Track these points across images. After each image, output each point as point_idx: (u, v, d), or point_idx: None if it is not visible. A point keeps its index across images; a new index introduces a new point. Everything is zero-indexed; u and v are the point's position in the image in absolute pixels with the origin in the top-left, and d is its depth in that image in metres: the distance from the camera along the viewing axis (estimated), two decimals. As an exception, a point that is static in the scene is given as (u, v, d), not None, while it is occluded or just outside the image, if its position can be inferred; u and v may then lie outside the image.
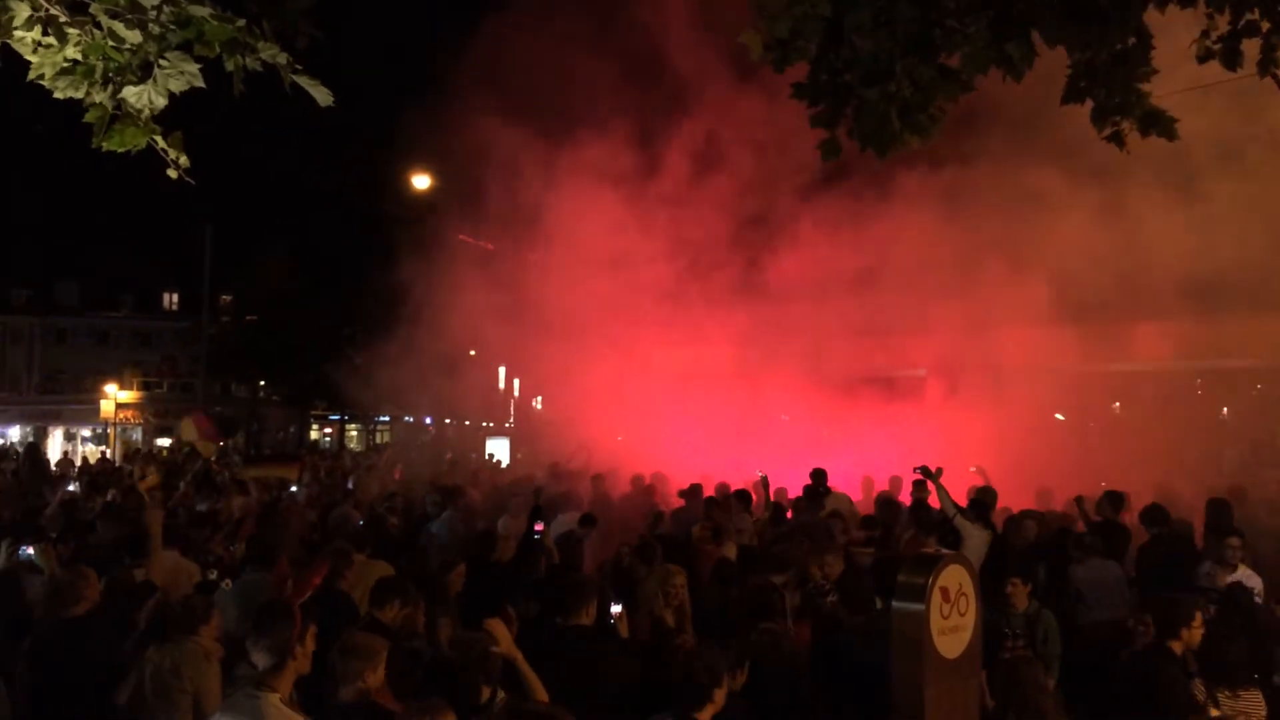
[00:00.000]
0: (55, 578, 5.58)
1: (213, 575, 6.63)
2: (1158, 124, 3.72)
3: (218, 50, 3.01)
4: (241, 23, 2.96)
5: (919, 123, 3.66)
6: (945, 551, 5.59)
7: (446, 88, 14.46)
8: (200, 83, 3.04)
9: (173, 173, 3.24)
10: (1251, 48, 3.61)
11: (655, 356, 14.09)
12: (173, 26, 2.92)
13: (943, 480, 7.89)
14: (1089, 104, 3.71)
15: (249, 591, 6.00)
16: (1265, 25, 3.50)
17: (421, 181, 18.22)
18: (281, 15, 3.14)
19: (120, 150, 3.10)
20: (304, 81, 3.13)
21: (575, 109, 14.44)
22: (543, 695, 4.51)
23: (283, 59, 3.05)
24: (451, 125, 14.64)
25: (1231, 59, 3.61)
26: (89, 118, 3.04)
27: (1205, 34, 3.63)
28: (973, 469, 9.97)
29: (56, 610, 5.23)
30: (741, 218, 14.48)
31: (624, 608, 5.76)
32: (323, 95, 3.20)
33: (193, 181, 3.26)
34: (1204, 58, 3.69)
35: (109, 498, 12.82)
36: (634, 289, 14.11)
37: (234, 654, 5.12)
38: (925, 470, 8.35)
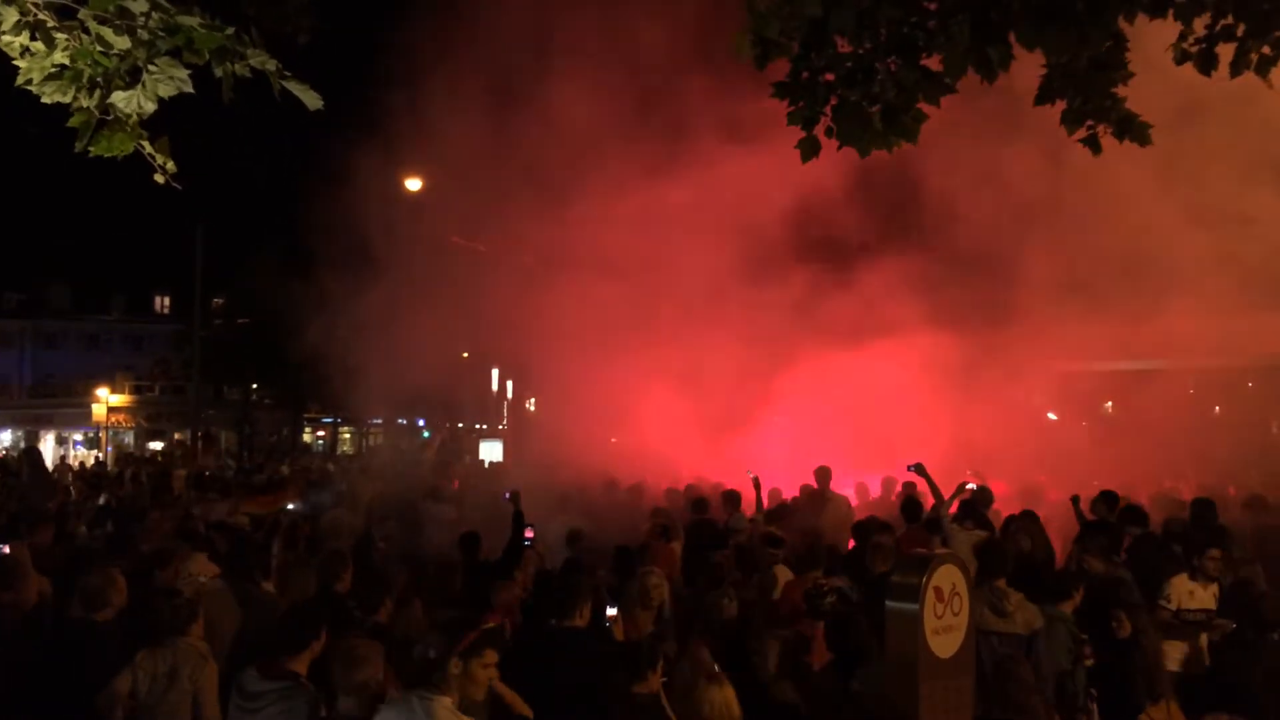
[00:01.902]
0: (83, 580, 5.57)
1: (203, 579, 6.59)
2: (1132, 129, 3.75)
3: (206, 57, 2.99)
4: (230, 30, 2.95)
5: (903, 124, 3.67)
6: (940, 551, 5.59)
7: (438, 86, 14.34)
8: (190, 88, 3.02)
9: (159, 178, 3.22)
10: (1226, 52, 3.62)
11: (650, 355, 14.00)
12: (161, 33, 2.90)
13: (940, 481, 7.92)
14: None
15: (242, 598, 5.98)
16: (1241, 29, 3.51)
17: (413, 184, 18.19)
18: (279, 13, 3.13)
19: (107, 155, 3.09)
20: (293, 87, 3.11)
21: (572, 108, 14.31)
22: (523, 706, 4.53)
23: (271, 65, 3.04)
24: (441, 125, 14.56)
25: (1207, 63, 3.62)
26: (73, 122, 3.02)
27: (1183, 37, 3.64)
28: (970, 473, 10.00)
29: (84, 612, 5.21)
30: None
31: (619, 610, 5.75)
32: (312, 100, 3.19)
33: (179, 187, 3.24)
34: (1180, 60, 3.71)
35: (101, 501, 12.84)
36: (631, 286, 14.03)
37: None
38: (920, 469, 8.36)
